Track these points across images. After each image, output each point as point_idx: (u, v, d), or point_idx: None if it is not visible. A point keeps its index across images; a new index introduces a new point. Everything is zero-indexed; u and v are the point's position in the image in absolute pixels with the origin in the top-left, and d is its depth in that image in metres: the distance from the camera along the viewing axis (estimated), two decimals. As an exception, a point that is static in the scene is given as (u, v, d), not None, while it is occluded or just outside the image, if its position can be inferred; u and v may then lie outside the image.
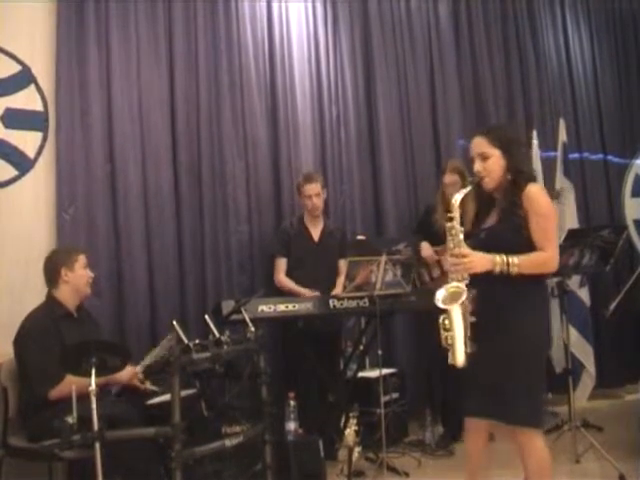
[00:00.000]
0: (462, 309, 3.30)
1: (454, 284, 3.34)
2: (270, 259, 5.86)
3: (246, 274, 6.02)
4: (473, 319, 3.35)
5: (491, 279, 3.37)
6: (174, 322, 4.18)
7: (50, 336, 4.22)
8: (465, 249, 3.36)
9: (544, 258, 3.40)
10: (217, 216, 5.93)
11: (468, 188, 3.50)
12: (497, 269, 3.34)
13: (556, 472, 4.93)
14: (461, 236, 3.38)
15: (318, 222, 5.85)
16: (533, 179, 3.56)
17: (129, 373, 4.35)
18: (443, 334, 3.33)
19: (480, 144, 3.53)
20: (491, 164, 3.49)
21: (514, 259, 3.33)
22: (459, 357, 3.30)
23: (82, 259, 4.56)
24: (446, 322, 3.32)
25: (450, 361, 3.34)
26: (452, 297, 3.31)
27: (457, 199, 3.41)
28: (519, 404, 3.40)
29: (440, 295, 3.33)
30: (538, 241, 3.40)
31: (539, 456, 3.47)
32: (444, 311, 3.32)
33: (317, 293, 5.43)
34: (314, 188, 5.71)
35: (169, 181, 5.76)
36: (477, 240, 3.49)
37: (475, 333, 3.35)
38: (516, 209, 3.43)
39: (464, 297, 3.27)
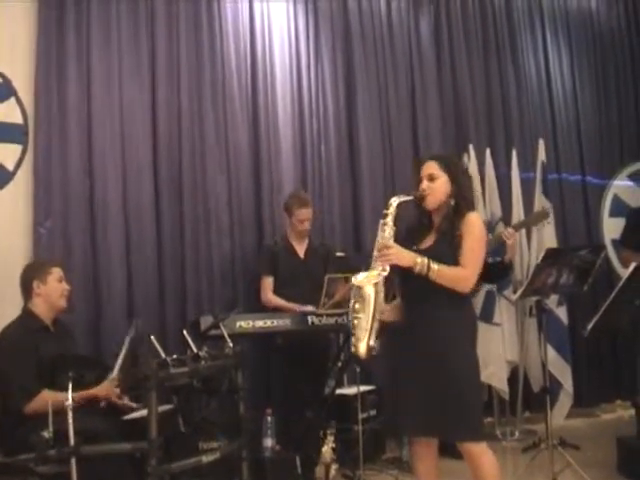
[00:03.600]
0: (375, 295, 3.43)
1: (374, 272, 3.46)
2: (256, 278, 5.80)
3: (227, 289, 6.00)
4: (385, 317, 3.50)
5: (424, 299, 3.53)
6: (152, 337, 4.17)
7: (25, 350, 4.16)
8: (391, 242, 3.51)
9: (462, 274, 3.55)
10: (198, 230, 5.93)
11: (409, 197, 3.67)
12: (417, 268, 3.47)
13: (533, 490, 4.96)
14: (391, 232, 3.54)
15: (303, 239, 5.82)
16: (473, 208, 3.74)
17: (104, 388, 4.31)
18: (351, 317, 3.46)
19: (431, 166, 3.71)
20: (437, 185, 3.66)
21: (434, 265, 3.47)
22: (361, 347, 3.43)
23: (57, 272, 4.50)
24: (357, 305, 3.45)
25: (353, 350, 3.47)
26: (369, 281, 3.45)
27: (395, 200, 3.61)
28: (466, 420, 3.50)
29: (359, 276, 3.47)
30: (462, 259, 3.55)
31: (493, 469, 3.55)
32: (358, 294, 3.45)
33: (310, 307, 5.39)
34: (307, 213, 5.70)
35: (149, 195, 5.76)
36: None
37: (411, 351, 3.53)
38: (454, 231, 3.59)
39: (379, 279, 3.42)
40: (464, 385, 3.51)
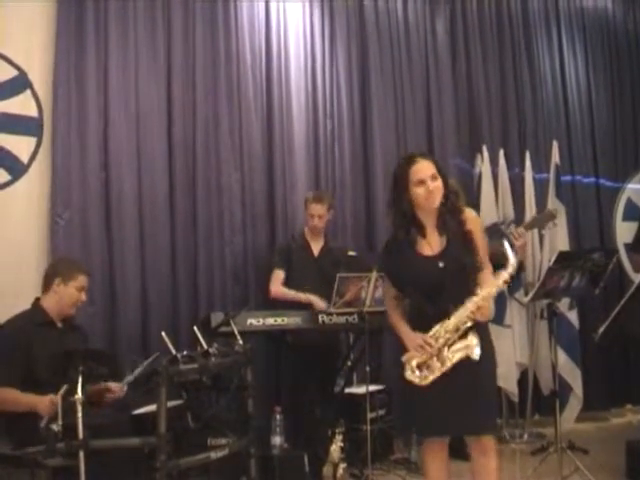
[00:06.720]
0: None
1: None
2: (266, 271, 5.81)
3: (240, 286, 6.02)
4: None
5: (448, 301, 3.49)
6: (163, 333, 4.17)
7: (10, 345, 4.15)
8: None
9: (491, 278, 3.55)
10: (212, 227, 5.94)
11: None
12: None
13: (541, 494, 4.95)
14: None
15: (319, 238, 5.84)
16: (464, 201, 3.82)
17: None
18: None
19: (430, 167, 3.62)
20: (439, 185, 3.59)
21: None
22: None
23: (82, 280, 4.45)
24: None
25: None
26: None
27: None
28: (490, 414, 3.59)
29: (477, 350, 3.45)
30: (480, 260, 3.55)
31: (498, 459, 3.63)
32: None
33: (316, 297, 5.41)
34: (318, 209, 5.70)
35: (164, 190, 5.77)
36: (436, 269, 3.52)
37: None
38: (462, 227, 3.57)
39: (478, 351, 3.43)
40: (492, 379, 3.60)
